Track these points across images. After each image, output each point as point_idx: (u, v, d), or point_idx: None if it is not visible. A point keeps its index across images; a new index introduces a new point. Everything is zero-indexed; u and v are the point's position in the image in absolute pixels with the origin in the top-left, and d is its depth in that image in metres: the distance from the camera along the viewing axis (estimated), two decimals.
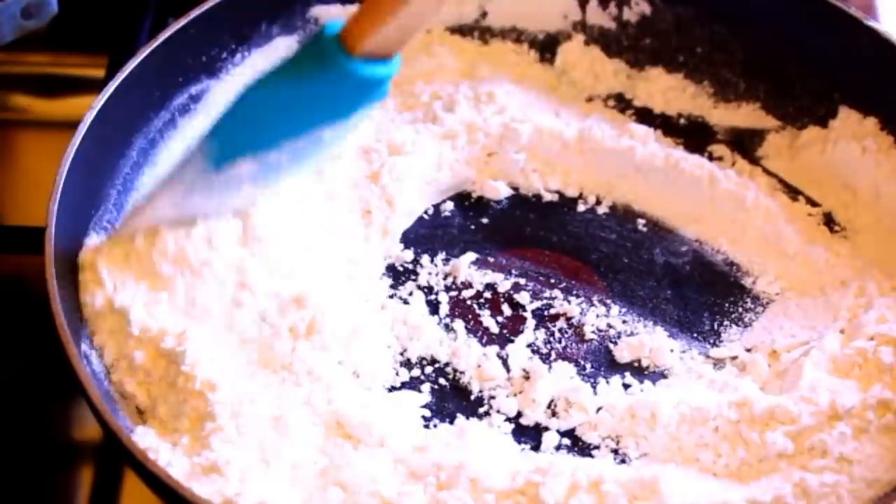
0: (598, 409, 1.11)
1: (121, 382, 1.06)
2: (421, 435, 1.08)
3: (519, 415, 1.11)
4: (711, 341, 1.18)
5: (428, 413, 1.11)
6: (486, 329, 1.18)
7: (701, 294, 1.22)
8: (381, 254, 1.23)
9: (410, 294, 1.20)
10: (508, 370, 1.14)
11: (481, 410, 1.12)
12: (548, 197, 1.30)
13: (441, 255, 1.24)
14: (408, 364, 1.15)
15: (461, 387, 1.13)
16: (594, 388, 1.13)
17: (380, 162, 1.26)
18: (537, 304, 1.20)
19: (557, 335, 1.18)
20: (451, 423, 1.10)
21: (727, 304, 1.21)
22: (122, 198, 1.20)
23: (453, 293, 1.21)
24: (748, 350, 1.17)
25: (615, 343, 1.17)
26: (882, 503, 0.98)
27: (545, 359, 1.15)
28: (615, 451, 1.09)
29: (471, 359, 1.14)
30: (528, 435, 1.10)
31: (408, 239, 1.26)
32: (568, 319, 1.19)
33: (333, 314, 1.11)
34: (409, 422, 1.09)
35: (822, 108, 1.31)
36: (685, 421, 1.07)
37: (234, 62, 1.32)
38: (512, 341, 1.17)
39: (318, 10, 1.37)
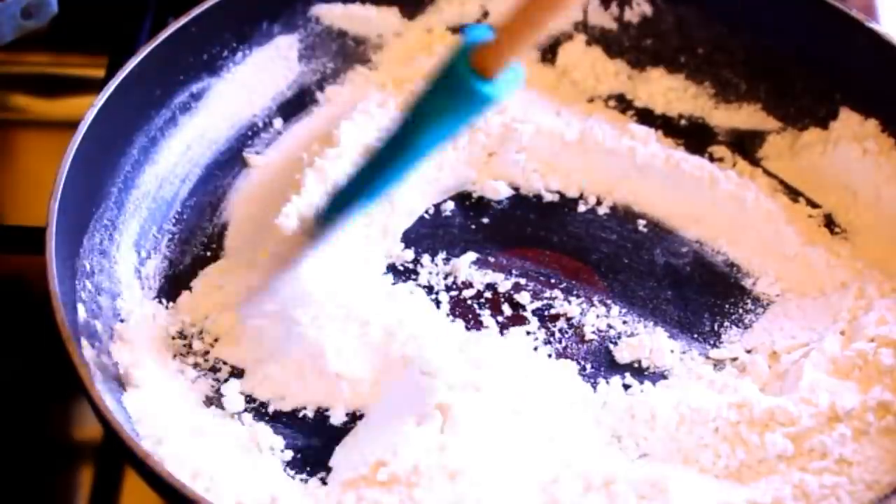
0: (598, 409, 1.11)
1: None
2: None
3: None
4: (712, 342, 1.18)
5: None
6: (487, 329, 1.18)
7: (701, 295, 1.22)
8: (381, 253, 1.23)
9: (411, 293, 1.20)
10: None
11: None
12: (548, 197, 1.30)
13: (442, 255, 1.24)
14: None
15: None
16: (594, 388, 1.13)
17: None
18: (538, 304, 1.20)
19: (558, 335, 1.18)
20: None
21: (727, 305, 1.21)
22: (123, 196, 1.20)
23: (454, 293, 1.21)
24: (748, 351, 1.17)
25: (615, 343, 1.17)
26: None
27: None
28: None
29: None
30: None
31: (408, 238, 1.26)
32: (568, 320, 1.19)
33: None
34: None
35: (823, 109, 1.31)
36: (685, 422, 1.07)
37: (235, 60, 1.32)
38: None
39: (318, 9, 1.37)
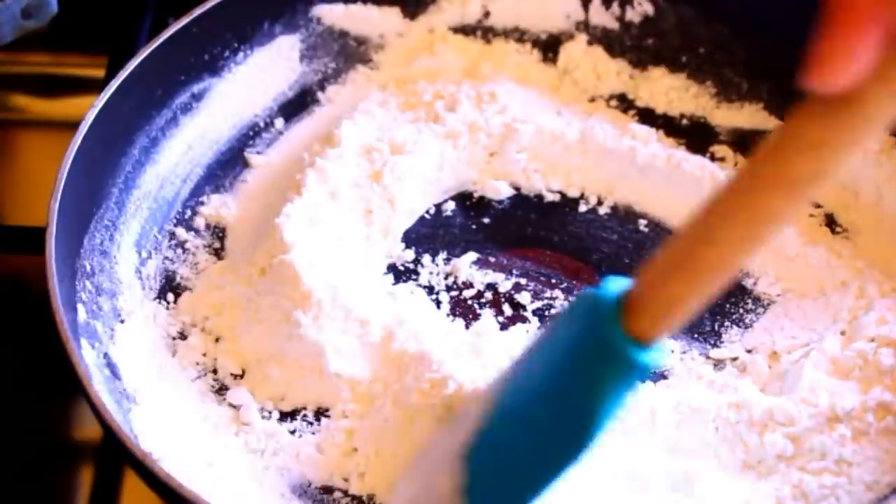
0: None
1: None
2: None
3: None
4: (712, 342, 1.18)
5: None
6: (488, 329, 1.18)
7: None
8: (382, 253, 1.23)
9: (411, 293, 1.20)
10: None
11: None
12: (549, 197, 1.30)
13: (442, 255, 1.24)
14: None
15: None
16: None
17: (381, 161, 1.26)
18: (538, 304, 1.20)
19: None
20: None
21: (728, 305, 1.20)
22: (124, 196, 1.20)
23: (454, 293, 1.21)
24: (749, 351, 1.16)
25: None
26: None
27: None
28: None
29: None
30: None
31: (409, 238, 1.26)
32: None
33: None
34: None
35: None
36: (685, 421, 1.07)
37: (237, 61, 1.33)
38: None
39: (320, 9, 1.37)
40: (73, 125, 1.14)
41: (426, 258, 1.24)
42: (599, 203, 1.29)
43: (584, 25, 1.40)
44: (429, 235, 1.26)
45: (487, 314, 1.18)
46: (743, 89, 1.36)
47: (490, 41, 1.41)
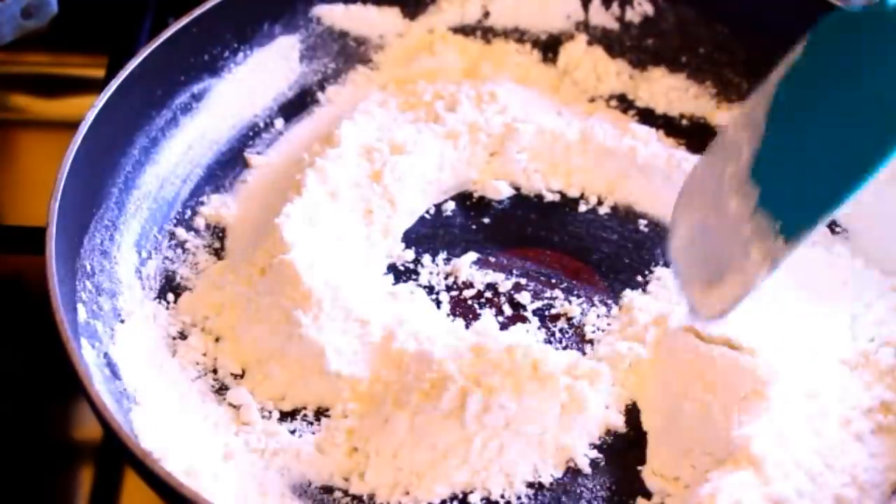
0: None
1: None
2: None
3: None
4: None
5: None
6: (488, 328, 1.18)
7: None
8: (382, 253, 1.23)
9: (412, 293, 1.20)
10: None
11: None
12: (549, 197, 1.30)
13: (442, 255, 1.24)
14: None
15: None
16: None
17: (381, 161, 1.26)
18: (538, 304, 1.20)
19: (558, 335, 1.18)
20: None
21: None
22: (124, 196, 1.21)
23: (454, 293, 1.21)
24: None
25: None
26: None
27: None
28: None
29: None
30: None
31: (409, 238, 1.26)
32: (569, 319, 1.19)
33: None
34: None
35: None
36: None
37: (237, 61, 1.33)
38: None
39: (320, 10, 1.37)
40: (73, 125, 1.14)
41: (426, 258, 1.24)
42: (599, 203, 1.29)
43: (584, 26, 1.40)
44: (429, 235, 1.26)
45: (487, 314, 1.18)
46: (743, 89, 1.36)
47: (490, 41, 1.42)
